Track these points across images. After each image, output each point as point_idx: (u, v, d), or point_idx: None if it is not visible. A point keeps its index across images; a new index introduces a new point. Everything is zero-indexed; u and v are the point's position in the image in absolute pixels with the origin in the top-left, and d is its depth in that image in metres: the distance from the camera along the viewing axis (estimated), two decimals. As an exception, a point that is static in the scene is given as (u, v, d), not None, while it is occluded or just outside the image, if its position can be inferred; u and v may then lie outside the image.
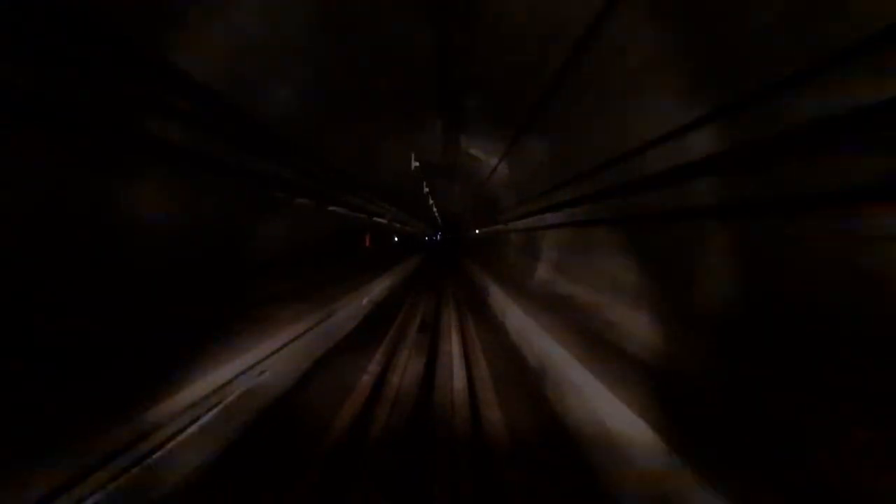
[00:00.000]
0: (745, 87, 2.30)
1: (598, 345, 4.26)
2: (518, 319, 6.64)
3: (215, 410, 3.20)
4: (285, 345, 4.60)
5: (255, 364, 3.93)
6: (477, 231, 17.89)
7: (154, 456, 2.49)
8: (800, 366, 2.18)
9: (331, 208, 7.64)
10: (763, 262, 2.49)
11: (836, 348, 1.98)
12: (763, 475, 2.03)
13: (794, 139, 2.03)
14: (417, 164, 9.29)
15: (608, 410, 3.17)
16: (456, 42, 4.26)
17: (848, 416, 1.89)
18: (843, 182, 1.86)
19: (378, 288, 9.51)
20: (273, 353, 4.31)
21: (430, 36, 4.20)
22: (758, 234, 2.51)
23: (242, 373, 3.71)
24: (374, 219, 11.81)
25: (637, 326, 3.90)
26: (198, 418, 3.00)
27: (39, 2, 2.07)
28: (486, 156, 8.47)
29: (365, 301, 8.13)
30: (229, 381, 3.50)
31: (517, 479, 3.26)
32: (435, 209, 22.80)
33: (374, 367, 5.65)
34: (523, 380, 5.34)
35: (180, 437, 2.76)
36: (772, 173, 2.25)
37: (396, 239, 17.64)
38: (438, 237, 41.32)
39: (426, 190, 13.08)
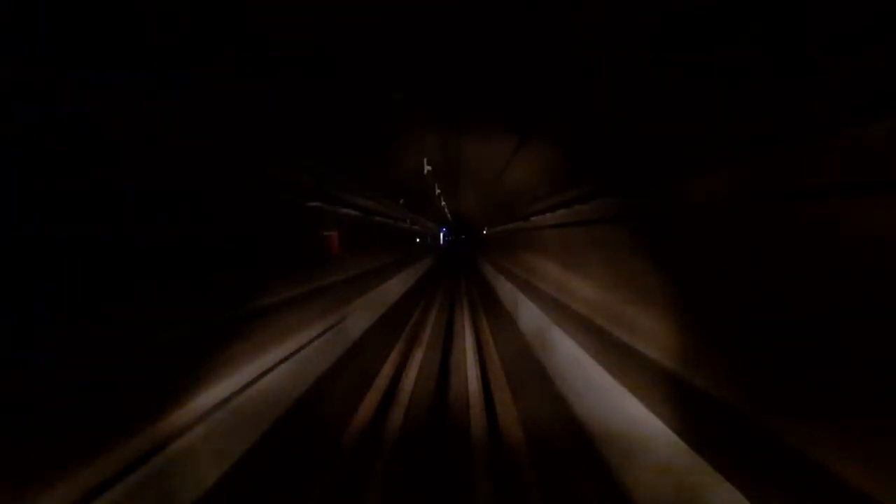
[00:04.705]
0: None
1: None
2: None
3: (233, 413, 3.18)
4: (299, 350, 4.61)
5: (273, 366, 3.93)
6: (495, 228, 17.64)
7: (171, 460, 2.47)
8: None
9: (340, 210, 7.63)
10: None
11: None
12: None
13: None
14: (427, 163, 9.19)
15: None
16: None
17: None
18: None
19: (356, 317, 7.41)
20: (291, 355, 4.31)
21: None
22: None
23: (259, 376, 3.70)
24: (383, 219, 11.78)
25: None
26: (215, 421, 2.99)
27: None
28: (497, 150, 8.31)
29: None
30: (246, 385, 3.49)
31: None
32: (445, 207, 22.72)
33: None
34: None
35: (196, 441, 2.74)
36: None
37: (404, 239, 17.46)
38: (450, 236, 41.07)
39: (435, 187, 12.99)
